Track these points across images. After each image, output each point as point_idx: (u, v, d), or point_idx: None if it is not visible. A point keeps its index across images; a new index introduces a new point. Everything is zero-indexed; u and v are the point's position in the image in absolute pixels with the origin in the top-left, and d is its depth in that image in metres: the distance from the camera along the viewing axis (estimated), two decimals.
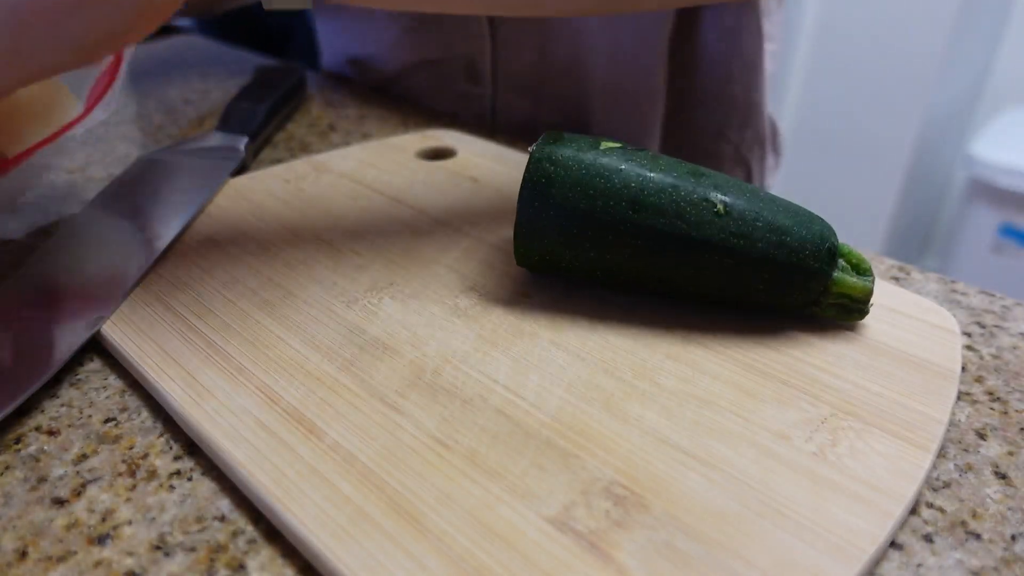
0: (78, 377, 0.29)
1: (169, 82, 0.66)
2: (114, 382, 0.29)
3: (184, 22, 0.93)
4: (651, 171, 0.29)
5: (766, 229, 0.28)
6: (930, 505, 0.23)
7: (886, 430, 0.24)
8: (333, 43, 0.70)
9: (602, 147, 0.30)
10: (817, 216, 0.29)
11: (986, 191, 1.40)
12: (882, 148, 1.48)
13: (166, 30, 0.82)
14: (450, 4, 0.41)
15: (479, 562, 0.20)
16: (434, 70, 0.61)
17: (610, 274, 0.30)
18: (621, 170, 0.29)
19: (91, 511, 0.23)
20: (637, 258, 0.29)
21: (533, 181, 0.29)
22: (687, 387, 0.26)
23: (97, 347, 0.31)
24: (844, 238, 0.30)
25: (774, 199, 0.29)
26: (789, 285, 0.28)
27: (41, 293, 0.32)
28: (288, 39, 0.94)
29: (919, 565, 0.21)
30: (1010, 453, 0.25)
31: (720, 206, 0.28)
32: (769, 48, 0.59)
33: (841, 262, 0.29)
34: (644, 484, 0.22)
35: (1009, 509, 0.23)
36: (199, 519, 0.23)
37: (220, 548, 0.22)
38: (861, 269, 0.29)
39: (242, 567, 0.21)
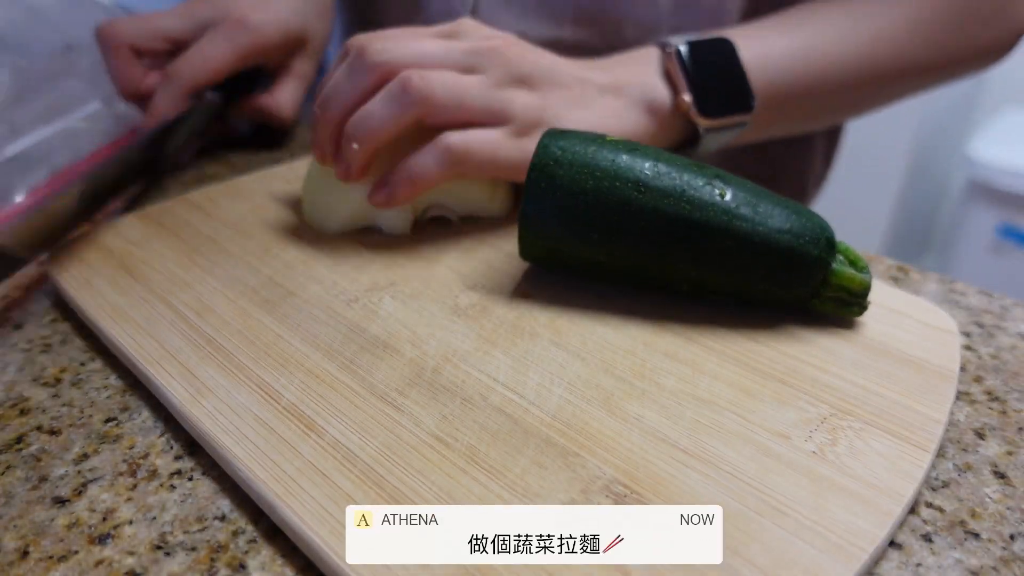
0: (79, 377, 0.29)
1: None
2: (115, 382, 0.29)
3: None
4: (656, 159, 0.29)
5: (767, 215, 0.28)
6: (929, 504, 0.23)
7: (885, 430, 0.24)
8: (335, 48, 0.70)
9: (607, 139, 0.30)
10: (813, 211, 0.29)
11: (985, 192, 1.40)
12: (881, 149, 1.48)
13: None
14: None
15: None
16: None
17: (613, 261, 0.30)
18: (626, 156, 0.29)
19: (92, 511, 0.23)
20: (641, 241, 0.29)
21: (541, 164, 0.30)
22: (686, 386, 0.26)
23: (99, 346, 0.31)
24: (843, 238, 0.30)
25: (771, 192, 0.29)
26: (789, 273, 0.28)
27: None
28: None
29: (918, 564, 0.21)
30: (1009, 453, 0.25)
31: (722, 191, 0.28)
32: None
33: (839, 257, 0.29)
34: (644, 483, 0.22)
35: (1008, 508, 0.23)
36: (200, 519, 0.23)
37: (221, 548, 0.22)
38: (858, 266, 0.29)
39: (242, 567, 0.21)
